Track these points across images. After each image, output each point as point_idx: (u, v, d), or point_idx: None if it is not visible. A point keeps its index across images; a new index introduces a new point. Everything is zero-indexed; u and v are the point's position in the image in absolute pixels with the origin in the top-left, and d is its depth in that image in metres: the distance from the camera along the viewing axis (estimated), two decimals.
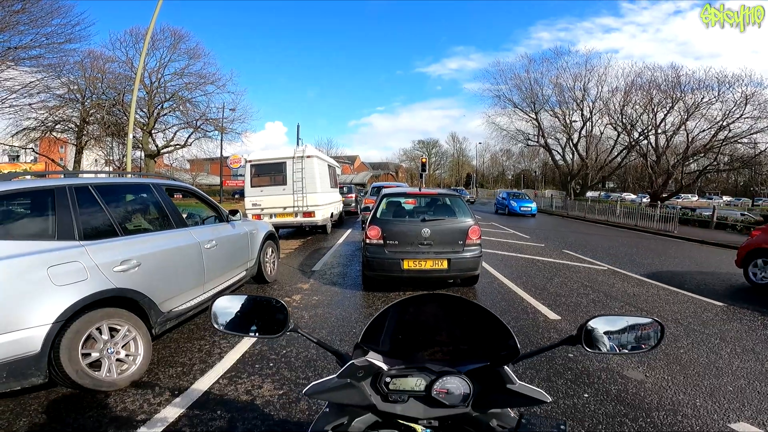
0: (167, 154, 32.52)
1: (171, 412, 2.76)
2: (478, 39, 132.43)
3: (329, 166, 14.02)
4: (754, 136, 25.52)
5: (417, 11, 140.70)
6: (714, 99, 26.20)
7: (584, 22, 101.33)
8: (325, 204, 12.13)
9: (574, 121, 35.28)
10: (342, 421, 1.00)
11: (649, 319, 1.07)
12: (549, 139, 37.17)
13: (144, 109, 28.13)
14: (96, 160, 36.33)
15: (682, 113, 27.63)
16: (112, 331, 3.08)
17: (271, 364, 3.52)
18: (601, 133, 35.05)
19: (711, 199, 45.08)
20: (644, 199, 32.96)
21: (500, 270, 7.64)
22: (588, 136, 35.31)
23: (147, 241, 3.64)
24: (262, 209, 11.35)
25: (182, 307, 3.87)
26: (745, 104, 24.75)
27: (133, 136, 14.44)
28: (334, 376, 0.98)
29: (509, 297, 5.87)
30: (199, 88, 29.79)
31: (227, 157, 35.46)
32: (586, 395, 3.07)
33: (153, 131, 29.08)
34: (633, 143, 31.32)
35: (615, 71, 41.29)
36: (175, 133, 30.74)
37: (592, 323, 1.04)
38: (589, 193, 36.77)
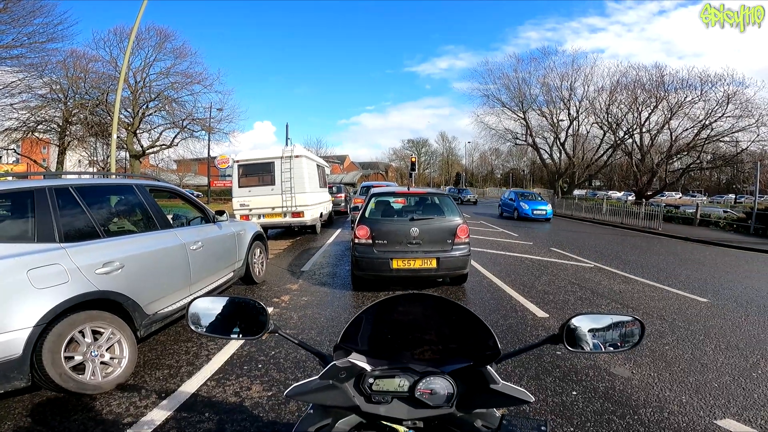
0: (153, 155, 32.06)
1: (158, 415, 2.72)
2: (468, 38, 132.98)
3: (318, 165, 13.95)
4: (736, 134, 26.00)
5: (407, 10, 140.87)
6: (697, 98, 26.66)
7: (572, 21, 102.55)
8: (314, 204, 12.07)
9: (561, 120, 35.60)
10: (326, 423, 0.99)
11: (630, 318, 1.09)
12: (537, 138, 37.44)
13: (129, 109, 27.66)
14: (79, 161, 35.70)
15: (665, 112, 28.07)
16: (96, 333, 3.03)
17: (260, 366, 3.49)
18: (588, 132, 35.38)
19: (694, 196, 45.92)
20: (630, 197, 33.51)
21: (489, 268, 7.68)
22: (575, 135, 35.62)
23: (130, 242, 3.59)
24: (251, 210, 11.24)
25: (168, 309, 3.82)
26: (727, 103, 25.22)
27: (118, 137, 14.22)
28: (316, 377, 0.97)
29: (498, 295, 5.90)
30: (186, 88, 29.41)
31: (215, 158, 35.06)
32: (574, 393, 3.10)
33: (138, 131, 28.56)
34: (618, 142, 31.69)
35: (601, 71, 41.66)
36: (160, 133, 30.29)
37: (574, 322, 1.05)
38: (576, 192, 37.14)
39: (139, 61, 27.88)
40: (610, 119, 31.66)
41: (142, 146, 29.36)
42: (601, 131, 33.50)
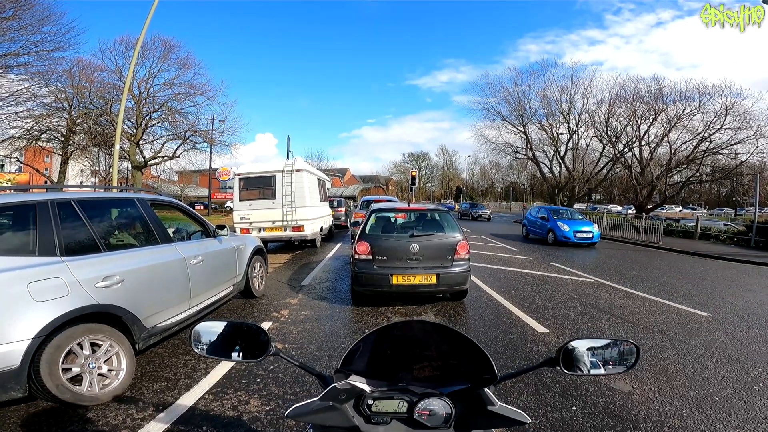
0: (155, 166, 32.17)
1: (155, 427, 2.71)
2: (469, 51, 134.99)
3: (319, 179, 14.02)
4: (735, 146, 26.03)
5: (408, 23, 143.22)
6: (695, 110, 26.79)
7: (571, 34, 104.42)
8: (315, 218, 12.09)
9: (561, 134, 35.85)
10: None
11: (625, 341, 1.12)
12: (537, 152, 37.67)
13: (132, 120, 27.74)
14: (82, 171, 35.80)
15: (664, 125, 28.18)
16: (94, 346, 3.03)
17: (258, 380, 3.47)
18: (587, 146, 35.62)
19: (695, 209, 45.95)
20: (630, 211, 33.46)
21: (489, 283, 7.66)
22: (574, 149, 35.85)
23: (131, 256, 3.60)
24: (251, 223, 11.25)
25: (167, 323, 3.82)
26: (725, 115, 25.27)
27: (120, 147, 14.26)
28: (317, 398, 0.98)
29: (498, 311, 5.88)
30: (189, 99, 29.55)
31: (216, 170, 35.20)
32: (574, 408, 3.08)
33: (140, 142, 28.68)
34: (618, 155, 31.78)
35: (600, 83, 42.22)
36: (163, 145, 30.46)
37: (570, 345, 1.08)
38: (577, 205, 37.12)
39: (144, 72, 28.07)
40: (609, 132, 31.82)
41: (144, 157, 29.49)
42: (601, 144, 33.64)
